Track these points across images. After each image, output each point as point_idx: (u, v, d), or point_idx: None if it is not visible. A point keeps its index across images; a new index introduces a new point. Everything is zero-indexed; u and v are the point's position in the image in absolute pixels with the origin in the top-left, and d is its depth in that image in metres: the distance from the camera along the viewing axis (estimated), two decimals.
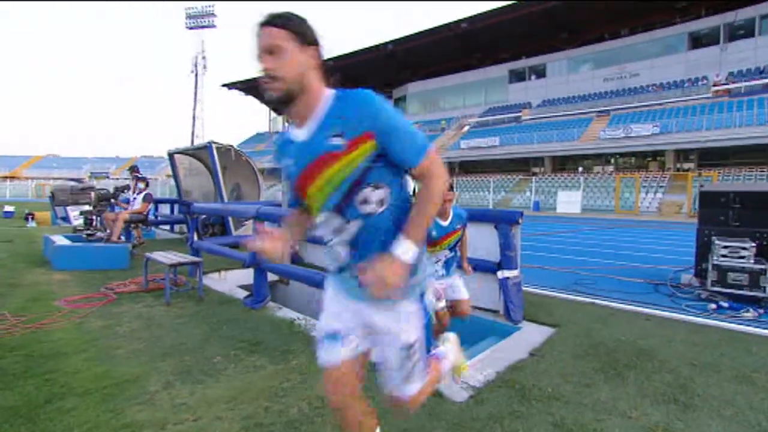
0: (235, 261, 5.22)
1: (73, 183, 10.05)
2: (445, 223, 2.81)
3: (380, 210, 1.18)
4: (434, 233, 3.46)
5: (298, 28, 1.12)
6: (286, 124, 6.14)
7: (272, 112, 55.66)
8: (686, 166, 26.36)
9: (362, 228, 1.20)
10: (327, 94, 1.17)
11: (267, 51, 1.10)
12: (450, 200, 2.82)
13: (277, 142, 1.31)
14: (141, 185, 7.42)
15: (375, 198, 1.17)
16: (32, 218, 11.89)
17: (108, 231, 6.72)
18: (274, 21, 1.11)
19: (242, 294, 4.48)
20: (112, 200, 7.41)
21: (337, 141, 1.12)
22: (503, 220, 3.56)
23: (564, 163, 32.04)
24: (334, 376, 1.27)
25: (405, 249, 1.11)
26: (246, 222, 7.62)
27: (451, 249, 2.92)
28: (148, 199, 7.39)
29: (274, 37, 1.10)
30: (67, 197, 7.71)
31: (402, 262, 1.11)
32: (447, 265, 2.95)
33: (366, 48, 40.86)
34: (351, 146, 1.11)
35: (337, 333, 1.29)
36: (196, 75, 60.23)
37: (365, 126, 1.10)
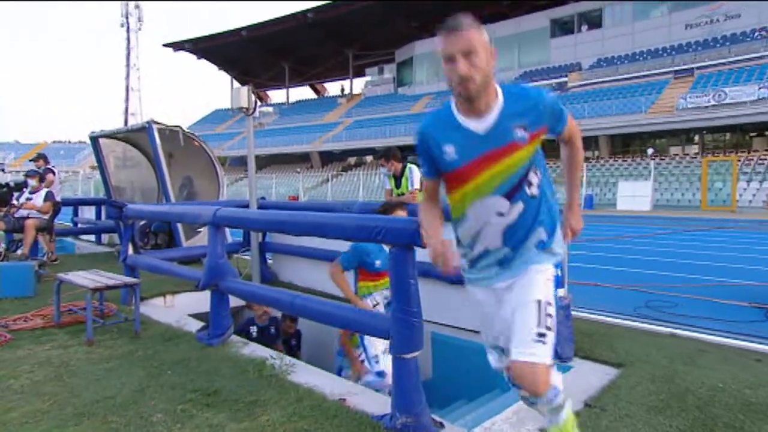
0: (185, 282, 5.18)
1: None
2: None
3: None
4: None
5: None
6: (260, 103, 6.11)
7: (235, 81, 55.89)
8: None
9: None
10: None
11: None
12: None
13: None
14: (33, 182, 7.35)
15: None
16: None
17: (1, 245, 6.69)
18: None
19: (195, 326, 4.45)
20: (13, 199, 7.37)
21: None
22: None
23: (627, 144, 32.02)
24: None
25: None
26: (201, 229, 7.59)
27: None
28: (50, 198, 7.34)
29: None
30: None
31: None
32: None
33: None
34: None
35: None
36: (128, 29, 60.20)
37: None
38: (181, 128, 8.42)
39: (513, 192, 1.76)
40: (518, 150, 1.71)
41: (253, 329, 5.10)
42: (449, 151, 1.75)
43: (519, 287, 1.85)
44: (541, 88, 1.79)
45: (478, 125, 1.72)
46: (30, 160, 9.25)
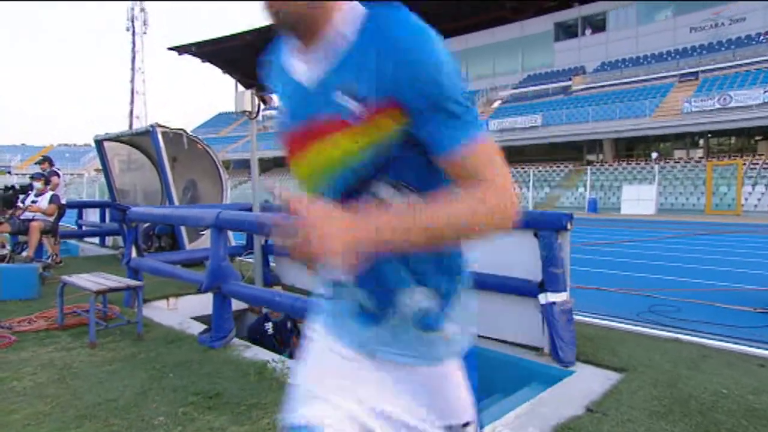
0: (187, 284, 5.21)
1: None
2: None
3: None
4: None
5: None
6: (263, 106, 6.14)
7: (239, 84, 56.11)
8: None
9: None
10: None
11: None
12: None
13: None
14: (38, 184, 7.41)
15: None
16: None
17: (6, 247, 6.73)
18: None
19: (197, 328, 4.47)
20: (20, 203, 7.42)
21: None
22: (546, 226, 3.55)
23: (631, 148, 31.95)
24: None
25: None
26: (204, 231, 7.63)
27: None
28: (56, 201, 7.41)
29: None
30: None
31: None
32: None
33: None
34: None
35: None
36: (134, 33, 60.63)
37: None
38: (184, 131, 8.48)
39: (351, 199, 0.95)
40: (346, 131, 0.90)
41: (268, 326, 5.09)
42: (280, 105, 1.06)
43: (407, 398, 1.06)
44: (434, 36, 0.87)
45: (305, 73, 0.97)
46: (35, 163, 9.33)
